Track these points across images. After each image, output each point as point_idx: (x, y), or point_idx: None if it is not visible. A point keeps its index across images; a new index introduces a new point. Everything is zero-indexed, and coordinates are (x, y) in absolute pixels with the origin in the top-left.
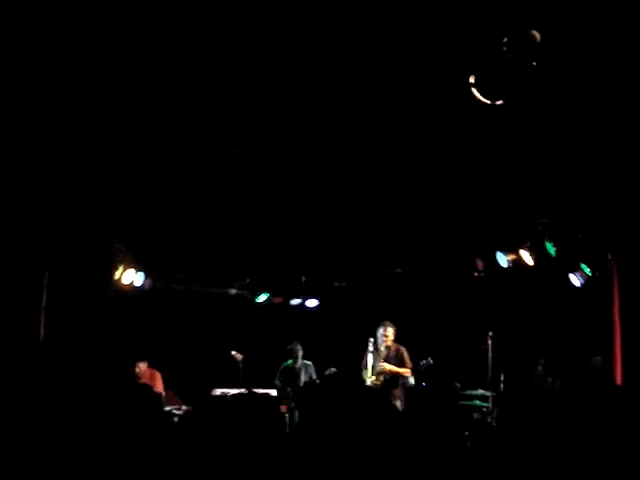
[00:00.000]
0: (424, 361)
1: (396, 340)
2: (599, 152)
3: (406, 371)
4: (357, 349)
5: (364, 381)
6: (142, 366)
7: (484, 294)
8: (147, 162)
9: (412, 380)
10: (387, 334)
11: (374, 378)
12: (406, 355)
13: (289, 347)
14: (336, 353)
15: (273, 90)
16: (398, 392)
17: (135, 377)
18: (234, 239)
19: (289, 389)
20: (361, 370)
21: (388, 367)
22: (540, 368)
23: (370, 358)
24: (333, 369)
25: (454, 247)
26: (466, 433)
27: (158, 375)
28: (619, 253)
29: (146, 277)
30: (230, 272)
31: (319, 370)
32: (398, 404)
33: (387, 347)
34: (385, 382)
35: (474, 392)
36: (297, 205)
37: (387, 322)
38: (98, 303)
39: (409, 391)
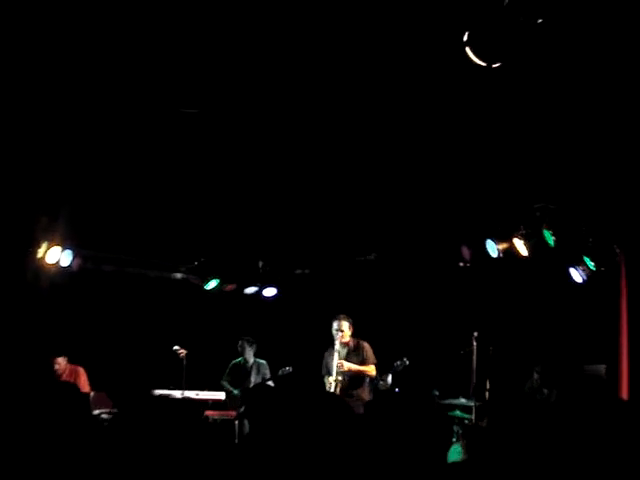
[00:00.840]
0: (399, 362)
1: (357, 335)
2: (605, 127)
3: (369, 369)
4: (320, 346)
5: (324, 384)
6: (61, 362)
7: (470, 288)
8: (76, 121)
9: (389, 379)
10: (342, 328)
11: (333, 380)
12: (368, 350)
13: (240, 342)
14: (296, 351)
15: (233, 46)
16: (365, 394)
17: (54, 375)
18: (181, 214)
19: (237, 391)
20: (323, 373)
21: (346, 365)
22: (535, 376)
23: (329, 359)
24: (288, 368)
25: (437, 232)
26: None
27: (82, 371)
28: (627, 245)
29: (74, 256)
30: (175, 253)
31: (275, 370)
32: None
33: (344, 344)
34: (346, 384)
35: (455, 401)
36: (255, 178)
37: (341, 315)
38: (14, 285)
39: (379, 394)
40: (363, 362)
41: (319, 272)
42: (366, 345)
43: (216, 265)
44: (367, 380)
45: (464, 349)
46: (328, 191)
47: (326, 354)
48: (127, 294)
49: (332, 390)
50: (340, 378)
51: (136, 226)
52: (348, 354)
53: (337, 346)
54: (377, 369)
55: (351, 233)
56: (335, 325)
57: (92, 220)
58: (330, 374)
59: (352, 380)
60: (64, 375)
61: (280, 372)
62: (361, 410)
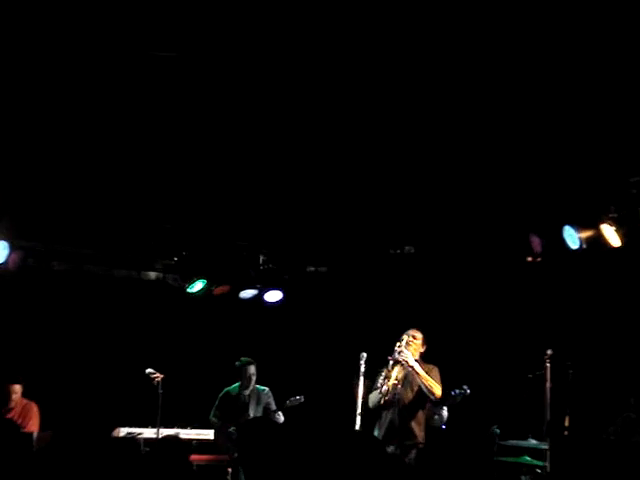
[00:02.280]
0: (457, 391)
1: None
2: None
3: (435, 386)
4: (341, 367)
5: (353, 419)
6: (18, 391)
7: (541, 290)
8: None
9: (445, 413)
10: (418, 347)
11: (381, 394)
12: (437, 375)
13: (237, 364)
14: (309, 374)
15: None
16: (418, 430)
17: (7, 407)
18: (155, 195)
19: (232, 429)
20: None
21: (410, 360)
22: (633, 415)
23: (361, 386)
24: (298, 397)
25: (497, 218)
26: None
27: (35, 411)
28: None
29: (11, 250)
30: (148, 246)
31: (281, 400)
32: (413, 454)
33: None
34: (403, 403)
35: (523, 443)
36: (253, 148)
37: (412, 331)
38: None
39: (433, 434)
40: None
41: (339, 270)
42: (434, 369)
43: (202, 261)
44: (425, 407)
45: (534, 372)
46: (350, 164)
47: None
48: (85, 300)
49: (380, 403)
50: (396, 389)
51: (97, 211)
52: (409, 377)
53: (363, 370)
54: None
55: (381, 219)
56: (411, 337)
57: (37, 204)
58: (379, 388)
59: (413, 401)
60: (16, 410)
61: (288, 403)
62: (412, 454)
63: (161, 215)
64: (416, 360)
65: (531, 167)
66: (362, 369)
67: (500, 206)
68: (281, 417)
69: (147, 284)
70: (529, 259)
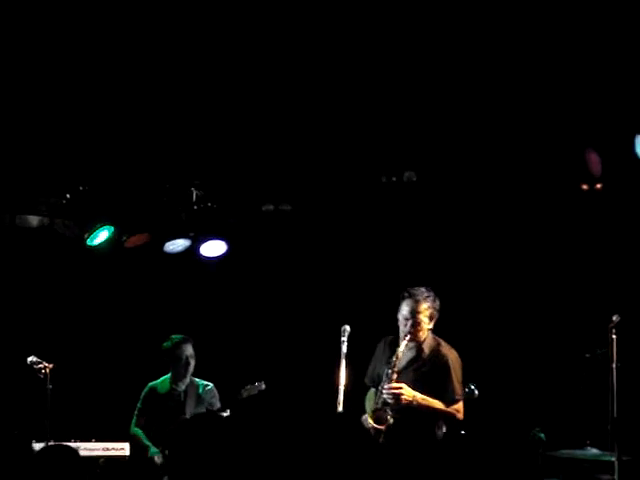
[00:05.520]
0: (467, 388)
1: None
2: None
3: (454, 409)
4: (314, 345)
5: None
6: None
7: (603, 231)
8: None
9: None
10: (420, 314)
11: (373, 415)
12: (458, 372)
13: (166, 345)
14: (268, 357)
15: None
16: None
17: None
18: (35, 105)
19: (159, 460)
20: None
21: (408, 392)
22: None
23: (342, 372)
24: (257, 384)
25: (536, 127)
26: None
27: None
28: None
29: None
30: (26, 178)
31: (227, 394)
32: None
33: (416, 344)
34: (398, 428)
35: (580, 453)
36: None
37: (420, 291)
38: None
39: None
40: (438, 390)
41: (309, 208)
42: (453, 358)
43: (107, 199)
44: (442, 429)
45: (594, 350)
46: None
47: (378, 353)
48: None
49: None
50: (388, 417)
51: None
52: (412, 363)
53: (402, 346)
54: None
55: (368, 132)
56: (407, 307)
57: None
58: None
59: (410, 425)
60: None
61: (243, 392)
62: None
63: (46, 132)
64: (421, 340)
65: (581, 54)
66: (344, 348)
67: (540, 110)
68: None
69: (26, 232)
70: (584, 186)
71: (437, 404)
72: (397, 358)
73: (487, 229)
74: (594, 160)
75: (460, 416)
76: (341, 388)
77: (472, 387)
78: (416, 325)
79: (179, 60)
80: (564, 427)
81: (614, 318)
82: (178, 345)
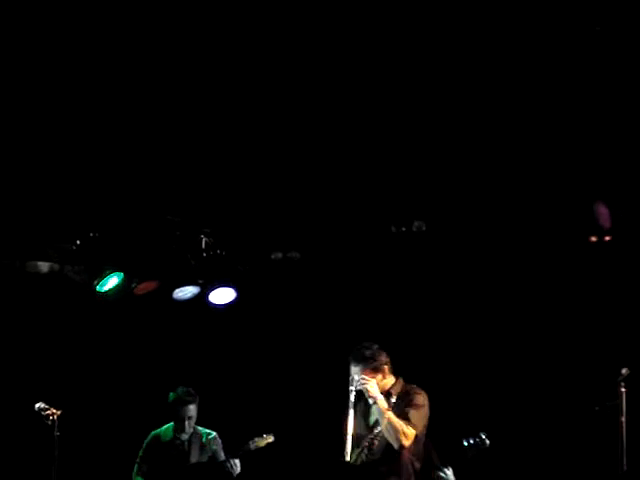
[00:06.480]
0: (471, 440)
1: (396, 374)
2: None
3: (405, 429)
4: (322, 395)
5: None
6: None
7: (612, 283)
8: None
9: (450, 474)
10: (374, 379)
11: (355, 453)
12: (420, 407)
13: (171, 397)
14: (275, 407)
15: None
16: None
17: None
18: (47, 156)
19: None
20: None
21: (372, 391)
22: None
23: (350, 421)
24: (265, 435)
25: (548, 182)
26: None
27: None
28: None
29: None
30: (40, 224)
31: (237, 443)
32: None
33: (386, 396)
34: (375, 453)
35: None
36: (189, 92)
37: (368, 352)
38: None
39: None
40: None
41: (317, 257)
42: (417, 393)
43: (117, 246)
44: (417, 466)
45: (603, 403)
46: (331, 114)
47: (349, 409)
48: None
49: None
50: (371, 448)
51: None
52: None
53: (353, 399)
54: (425, 445)
55: (378, 183)
56: (353, 371)
57: None
58: (348, 443)
59: (386, 449)
60: None
61: (251, 444)
62: None
63: (58, 180)
64: (388, 389)
65: (593, 111)
66: (352, 397)
67: (551, 162)
68: (237, 466)
69: (38, 279)
70: (593, 239)
71: (395, 419)
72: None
73: (497, 279)
74: (604, 214)
75: (405, 442)
76: (349, 437)
77: (483, 436)
78: (367, 380)
79: (191, 108)
80: (575, 473)
81: (623, 371)
82: (180, 403)
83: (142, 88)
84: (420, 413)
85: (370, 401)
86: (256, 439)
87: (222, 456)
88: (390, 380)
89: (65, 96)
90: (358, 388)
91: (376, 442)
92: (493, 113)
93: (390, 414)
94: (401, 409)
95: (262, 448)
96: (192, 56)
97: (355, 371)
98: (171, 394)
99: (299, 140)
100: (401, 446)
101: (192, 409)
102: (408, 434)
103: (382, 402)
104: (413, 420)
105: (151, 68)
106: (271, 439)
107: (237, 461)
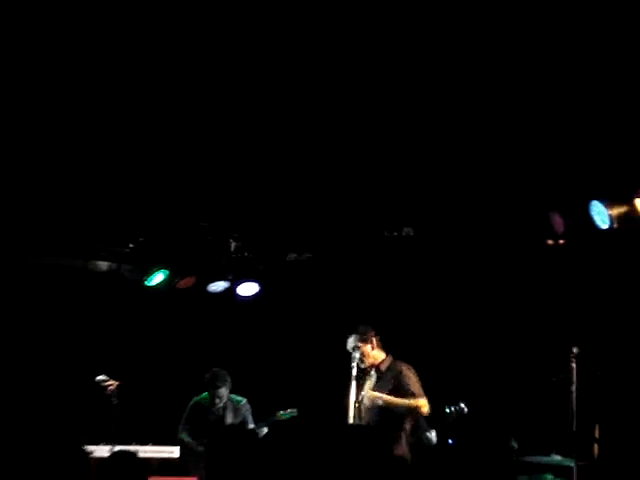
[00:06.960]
0: (452, 408)
1: (388, 352)
2: None
3: (413, 402)
4: (330, 371)
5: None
6: None
7: (565, 278)
8: None
9: (433, 435)
10: (364, 348)
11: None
12: (410, 376)
13: (207, 375)
14: (290, 381)
15: None
16: (401, 448)
17: None
18: (105, 171)
19: (201, 448)
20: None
21: (378, 395)
22: None
23: (352, 392)
24: (290, 410)
25: (511, 193)
26: None
27: None
28: None
29: None
30: (97, 230)
31: (261, 412)
32: None
33: (376, 369)
34: (375, 425)
35: (545, 459)
36: (225, 114)
37: (360, 328)
38: None
39: (425, 452)
40: (405, 395)
41: (325, 257)
42: (405, 368)
43: (163, 248)
44: (407, 427)
45: (557, 376)
46: (337, 135)
47: (351, 383)
48: (20, 294)
49: None
50: (366, 417)
51: (29, 187)
52: (379, 385)
53: (355, 373)
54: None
55: (374, 195)
56: (351, 342)
57: None
58: (350, 411)
59: (383, 420)
60: None
61: (280, 415)
62: None
63: (114, 193)
64: (375, 364)
65: (550, 132)
66: (354, 372)
67: (515, 179)
68: (264, 432)
69: (96, 276)
70: (550, 242)
71: (399, 400)
72: (365, 383)
73: (471, 273)
74: (558, 221)
75: (424, 410)
76: (351, 405)
77: (462, 405)
78: (363, 355)
79: (216, 129)
80: (533, 438)
81: (574, 350)
82: (212, 387)
83: (178, 117)
84: (417, 383)
85: (379, 402)
86: (280, 412)
87: (251, 421)
88: (380, 355)
89: (121, 125)
90: (366, 405)
91: (372, 415)
92: (463, 139)
93: (397, 400)
94: (396, 382)
95: (288, 421)
96: (216, 68)
97: (351, 341)
98: (206, 375)
99: (305, 162)
100: (413, 418)
101: (221, 392)
102: (421, 404)
103: (386, 398)
104: (416, 392)
105: (180, 87)
106: (295, 413)
107: (265, 428)
